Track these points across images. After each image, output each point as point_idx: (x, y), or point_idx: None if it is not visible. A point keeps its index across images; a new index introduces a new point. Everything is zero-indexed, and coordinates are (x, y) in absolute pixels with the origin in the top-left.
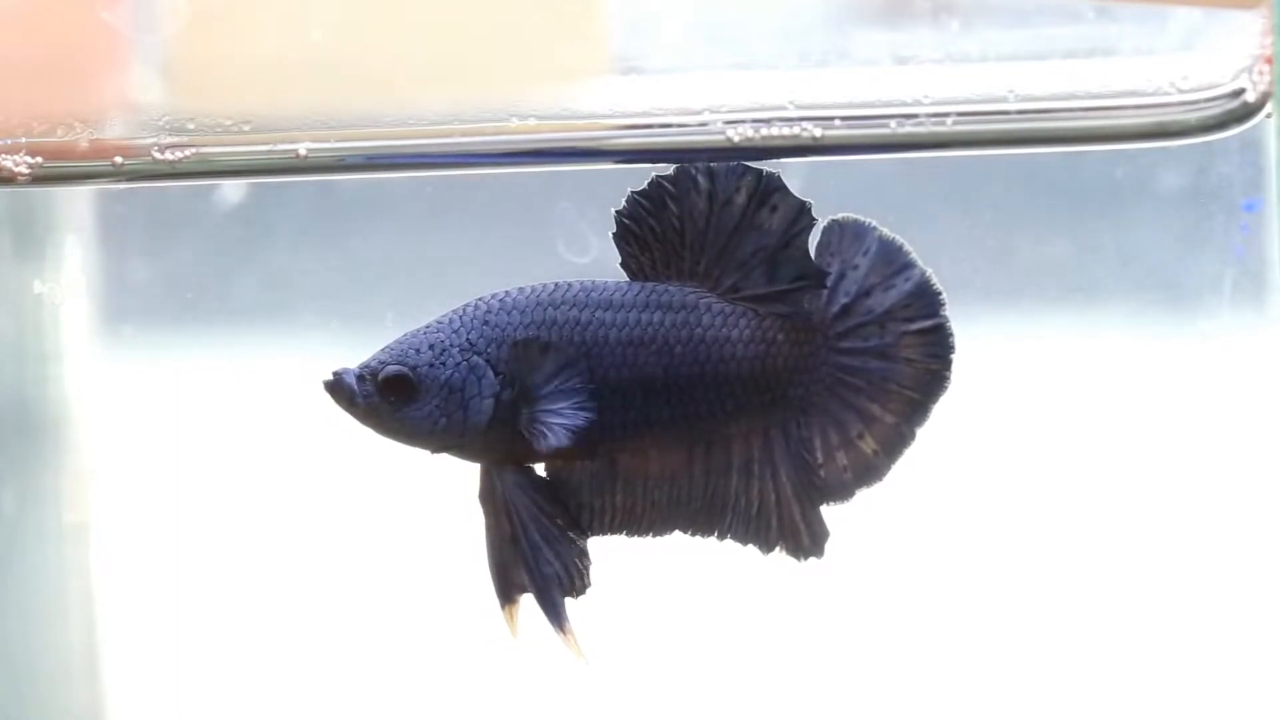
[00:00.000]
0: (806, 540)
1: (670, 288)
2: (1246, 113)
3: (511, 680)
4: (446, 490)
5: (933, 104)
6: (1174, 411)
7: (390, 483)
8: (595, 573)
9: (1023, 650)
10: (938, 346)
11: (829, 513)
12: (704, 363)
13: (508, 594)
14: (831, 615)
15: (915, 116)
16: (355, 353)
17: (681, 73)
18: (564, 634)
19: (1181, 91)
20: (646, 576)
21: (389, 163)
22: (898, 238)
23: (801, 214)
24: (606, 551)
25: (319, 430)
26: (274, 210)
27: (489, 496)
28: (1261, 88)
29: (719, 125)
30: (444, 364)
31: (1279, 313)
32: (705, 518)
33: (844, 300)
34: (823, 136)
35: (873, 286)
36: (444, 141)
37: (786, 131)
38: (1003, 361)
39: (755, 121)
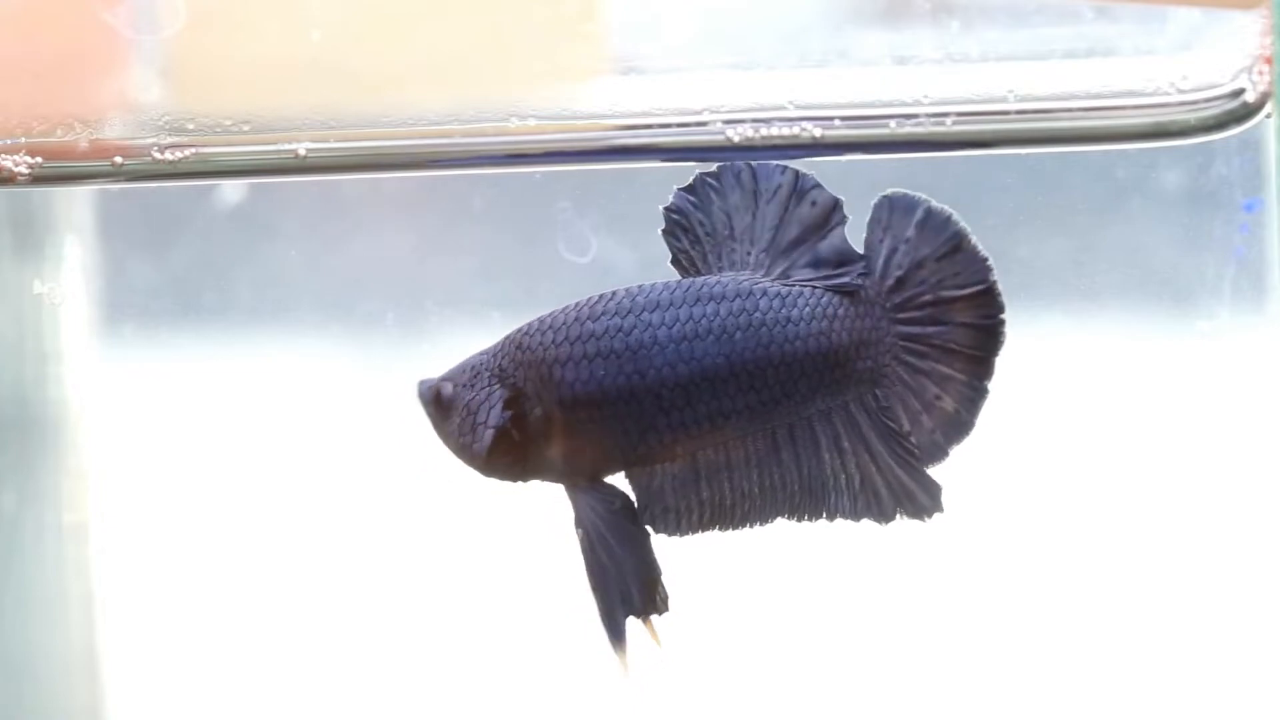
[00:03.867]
0: (924, 499)
1: (722, 278)
2: (1246, 113)
3: (511, 680)
4: (446, 490)
5: (932, 104)
6: (1174, 411)
7: (390, 482)
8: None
9: (1023, 650)
10: (989, 307)
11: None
12: (768, 345)
13: (616, 630)
14: (832, 615)
15: (915, 116)
16: (355, 353)
17: (681, 73)
18: (619, 653)
19: (1181, 91)
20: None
21: (389, 163)
22: (945, 208)
23: (836, 208)
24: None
25: (319, 430)
26: (274, 210)
27: (576, 522)
28: (1261, 88)
29: (719, 125)
30: (473, 386)
31: (1279, 312)
32: (807, 501)
33: (898, 273)
34: (823, 136)
35: (925, 258)
36: (444, 141)
37: (786, 131)
38: (1002, 361)
39: (755, 121)
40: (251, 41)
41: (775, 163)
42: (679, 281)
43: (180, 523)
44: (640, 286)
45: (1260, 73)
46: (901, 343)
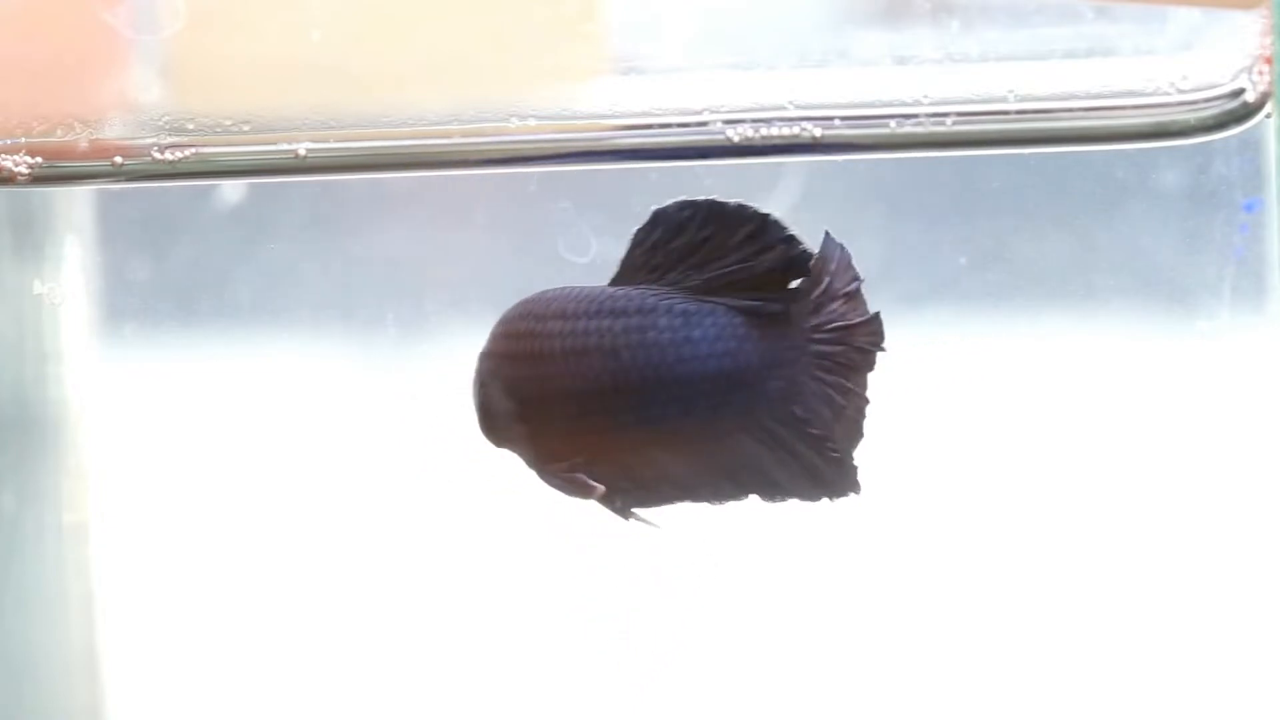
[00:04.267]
0: (842, 483)
1: (633, 291)
2: (1246, 113)
3: (511, 680)
4: (446, 490)
5: (932, 104)
6: (1174, 412)
7: (390, 482)
8: (598, 576)
9: (1023, 651)
10: (878, 335)
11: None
12: (658, 365)
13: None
14: (832, 615)
15: (915, 116)
16: (355, 353)
17: (681, 73)
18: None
19: (1181, 91)
20: (642, 574)
21: (389, 163)
22: (847, 251)
23: (766, 229)
24: (603, 552)
25: (319, 430)
26: (274, 210)
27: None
28: (1261, 88)
29: (719, 125)
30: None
31: (1279, 312)
32: (734, 491)
33: (817, 302)
34: (823, 136)
35: (838, 290)
36: (444, 142)
37: (786, 131)
38: (1002, 361)
39: (755, 121)
40: (251, 41)
41: (749, 209)
42: (594, 290)
43: (180, 523)
44: (561, 290)
45: (1260, 73)
46: (817, 361)
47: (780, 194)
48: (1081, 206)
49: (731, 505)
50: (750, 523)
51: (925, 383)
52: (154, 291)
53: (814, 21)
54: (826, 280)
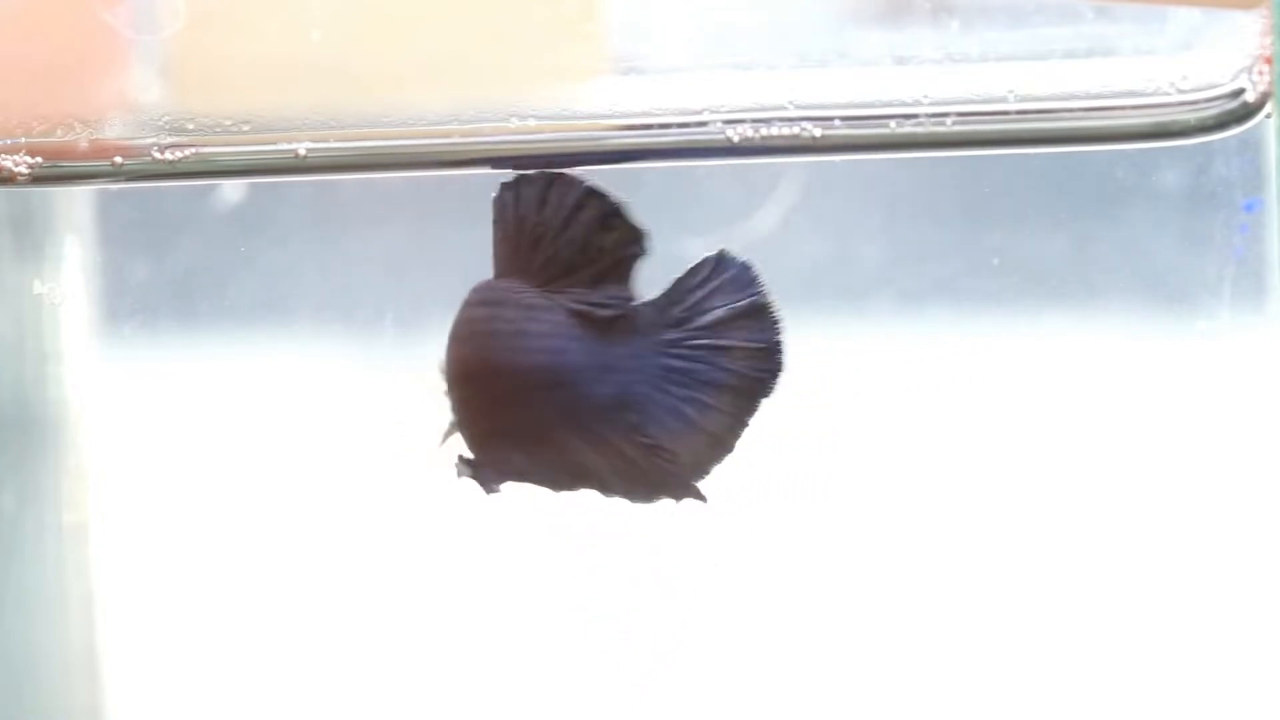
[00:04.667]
0: (676, 491)
1: (500, 284)
2: (1246, 113)
3: (511, 680)
4: (446, 491)
5: (932, 104)
6: (1174, 412)
7: (390, 481)
8: (598, 576)
9: (1022, 651)
10: (766, 363)
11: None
12: (498, 355)
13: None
14: (832, 615)
15: (915, 116)
16: (355, 353)
17: (681, 73)
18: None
19: (1181, 91)
20: (642, 574)
21: (389, 163)
22: (754, 266)
23: (636, 240)
24: (603, 552)
25: (319, 430)
26: (273, 210)
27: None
28: (1261, 88)
29: (719, 125)
30: None
31: (1279, 312)
32: (569, 487)
33: (680, 314)
34: (823, 136)
35: (715, 305)
36: (444, 141)
37: (786, 131)
38: (1002, 361)
39: (755, 121)
40: (251, 41)
41: (586, 183)
42: (484, 282)
43: (180, 523)
44: (477, 284)
45: (1260, 73)
46: (664, 373)
47: (780, 194)
48: (1081, 206)
49: (589, 496)
50: (750, 523)
51: (925, 383)
52: (154, 291)
53: (814, 21)
54: (697, 295)
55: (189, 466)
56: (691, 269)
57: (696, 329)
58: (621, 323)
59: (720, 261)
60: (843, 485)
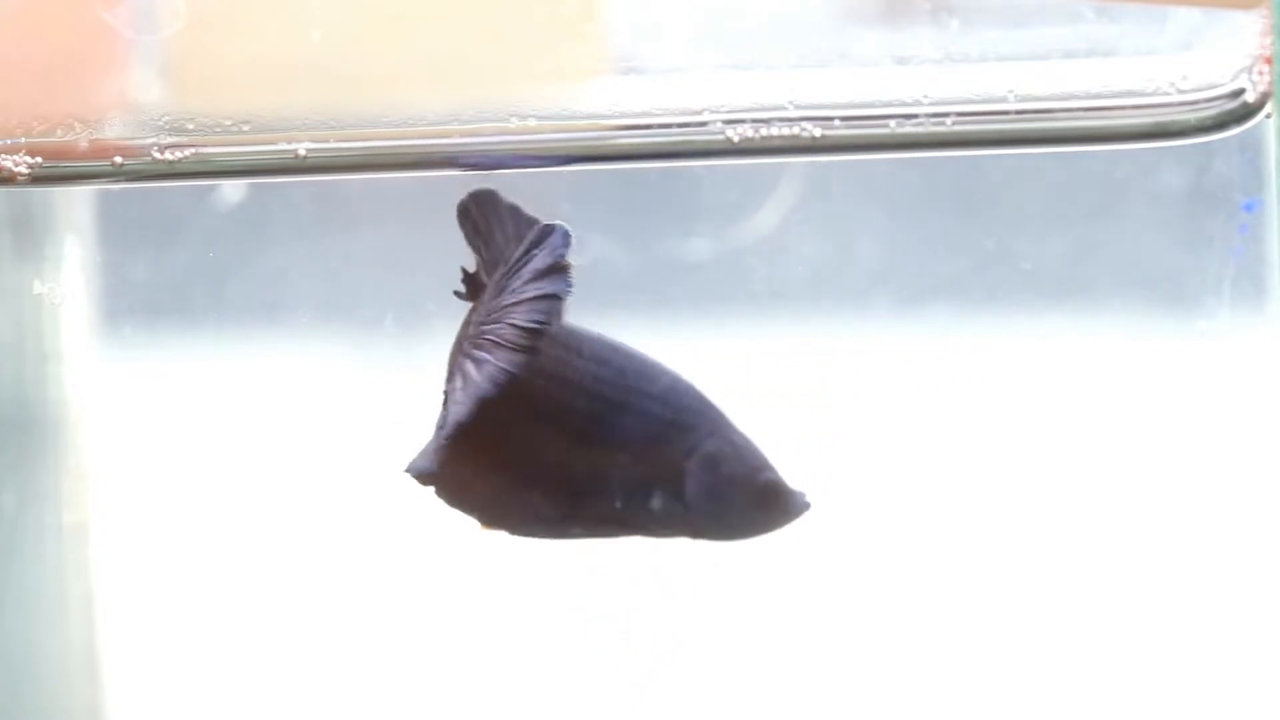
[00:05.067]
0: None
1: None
2: (1246, 113)
3: (511, 680)
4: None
5: (932, 104)
6: (1173, 412)
7: (390, 483)
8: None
9: (1023, 651)
10: (528, 313)
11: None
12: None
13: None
14: (832, 615)
15: (915, 116)
16: (355, 353)
17: (681, 73)
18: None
19: (1181, 91)
20: (642, 574)
21: (389, 163)
22: (559, 232)
23: (553, 271)
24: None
25: (319, 430)
26: (273, 210)
27: None
28: (1261, 88)
29: (719, 125)
30: None
31: (1279, 312)
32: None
33: (500, 283)
34: (823, 136)
35: (528, 270)
36: (444, 141)
37: (786, 131)
38: (1002, 361)
39: (755, 121)
40: (251, 41)
41: (540, 223)
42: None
43: (180, 522)
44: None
45: (1260, 73)
46: (472, 338)
47: (780, 194)
48: (1081, 206)
49: None
50: None
51: (925, 383)
52: (154, 291)
53: (814, 21)
54: (512, 262)
55: (189, 466)
56: (505, 237)
57: (512, 291)
58: (467, 297)
59: (546, 231)
60: (843, 485)
